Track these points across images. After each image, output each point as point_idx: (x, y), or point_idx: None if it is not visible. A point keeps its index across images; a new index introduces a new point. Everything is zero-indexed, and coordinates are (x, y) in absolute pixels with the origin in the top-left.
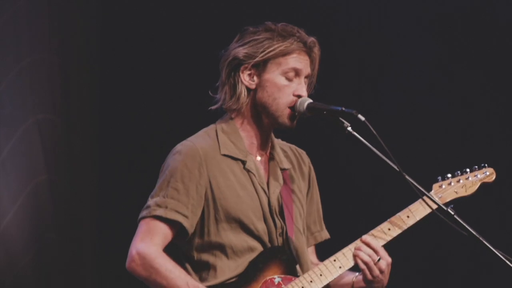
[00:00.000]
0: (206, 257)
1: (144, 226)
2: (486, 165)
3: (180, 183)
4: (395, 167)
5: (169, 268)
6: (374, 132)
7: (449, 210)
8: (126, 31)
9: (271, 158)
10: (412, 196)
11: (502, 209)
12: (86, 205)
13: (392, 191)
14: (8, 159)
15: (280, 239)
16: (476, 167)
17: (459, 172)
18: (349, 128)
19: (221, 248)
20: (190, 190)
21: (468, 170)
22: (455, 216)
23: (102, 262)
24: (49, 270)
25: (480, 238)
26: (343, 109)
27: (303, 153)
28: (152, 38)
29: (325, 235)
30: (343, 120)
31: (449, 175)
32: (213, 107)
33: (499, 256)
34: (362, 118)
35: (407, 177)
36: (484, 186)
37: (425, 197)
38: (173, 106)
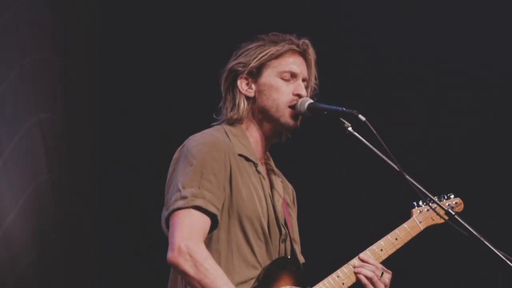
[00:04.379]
0: (212, 252)
1: (185, 218)
2: (452, 195)
3: (212, 176)
4: (396, 167)
5: (220, 273)
6: (375, 132)
7: (449, 210)
8: (127, 30)
9: (269, 167)
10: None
11: (502, 209)
12: (88, 205)
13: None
14: (10, 159)
15: (282, 246)
16: (444, 195)
17: (429, 199)
18: (350, 128)
19: (228, 244)
20: (220, 183)
21: (435, 198)
22: (456, 217)
23: (103, 261)
24: (50, 269)
25: (482, 239)
26: (344, 109)
27: (283, 177)
28: (153, 37)
29: (302, 258)
30: (344, 121)
31: (420, 202)
32: (214, 124)
33: (500, 257)
34: (363, 119)
35: (408, 177)
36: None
37: (427, 199)
38: (174, 105)
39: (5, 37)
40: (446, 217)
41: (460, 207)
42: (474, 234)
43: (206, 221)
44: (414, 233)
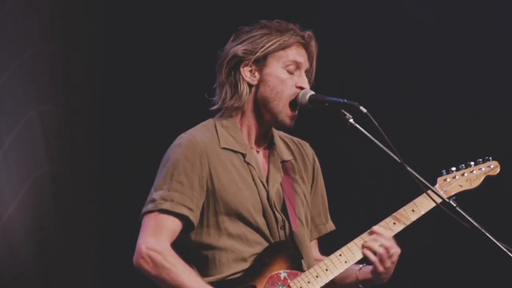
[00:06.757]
0: (205, 250)
1: (151, 220)
2: (490, 158)
3: (184, 176)
4: (397, 159)
5: (180, 268)
6: (376, 124)
7: (451, 202)
8: (128, 22)
9: (271, 151)
10: (416, 189)
11: (504, 201)
12: (88, 198)
13: (395, 184)
14: (10, 151)
15: (282, 233)
16: (480, 160)
17: (463, 165)
18: (351, 120)
19: (221, 241)
20: (193, 183)
21: (472, 163)
22: (458, 208)
23: (103, 254)
24: (50, 262)
25: (483, 231)
26: (345, 101)
27: (306, 145)
28: (154, 30)
29: (330, 227)
30: (345, 112)
31: (453, 169)
32: (214, 108)
33: (501, 248)
34: (364, 110)
35: (409, 169)
36: (488, 179)
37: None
38: (174, 99)
39: (4, 29)
40: (453, 205)
41: (496, 170)
42: (476, 226)
43: (174, 222)
44: (433, 203)
